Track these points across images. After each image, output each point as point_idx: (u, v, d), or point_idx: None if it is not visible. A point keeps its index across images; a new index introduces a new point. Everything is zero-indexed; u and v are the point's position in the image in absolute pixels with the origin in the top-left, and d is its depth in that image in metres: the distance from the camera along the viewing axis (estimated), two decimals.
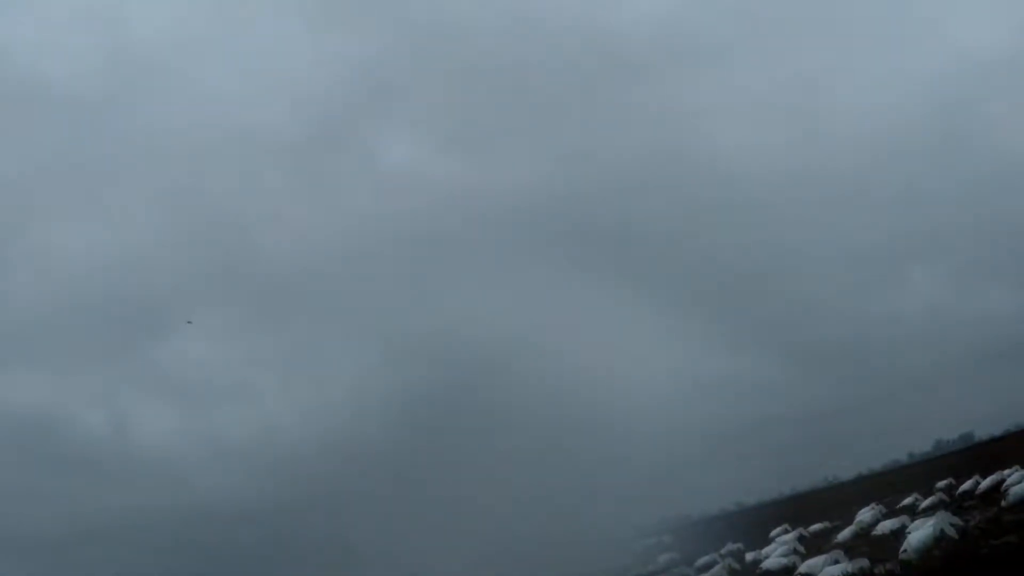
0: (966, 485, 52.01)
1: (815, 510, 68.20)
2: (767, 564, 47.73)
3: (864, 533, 48.96)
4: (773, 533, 59.98)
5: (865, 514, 51.48)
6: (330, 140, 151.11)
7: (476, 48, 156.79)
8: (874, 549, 41.63)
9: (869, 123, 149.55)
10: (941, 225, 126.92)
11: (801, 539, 53.49)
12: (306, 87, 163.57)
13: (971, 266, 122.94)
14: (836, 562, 38.74)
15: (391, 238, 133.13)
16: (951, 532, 36.45)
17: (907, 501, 54.64)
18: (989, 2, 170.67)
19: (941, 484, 56.18)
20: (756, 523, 70.37)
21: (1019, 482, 43.07)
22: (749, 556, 55.14)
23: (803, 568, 41.40)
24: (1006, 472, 46.90)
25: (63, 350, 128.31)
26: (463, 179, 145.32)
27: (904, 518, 45.90)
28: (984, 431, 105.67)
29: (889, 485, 69.78)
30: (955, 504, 49.32)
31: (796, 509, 77.27)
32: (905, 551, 36.74)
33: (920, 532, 37.32)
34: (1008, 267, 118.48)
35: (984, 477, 50.51)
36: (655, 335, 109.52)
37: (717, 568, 51.43)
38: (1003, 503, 42.98)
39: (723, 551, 58.65)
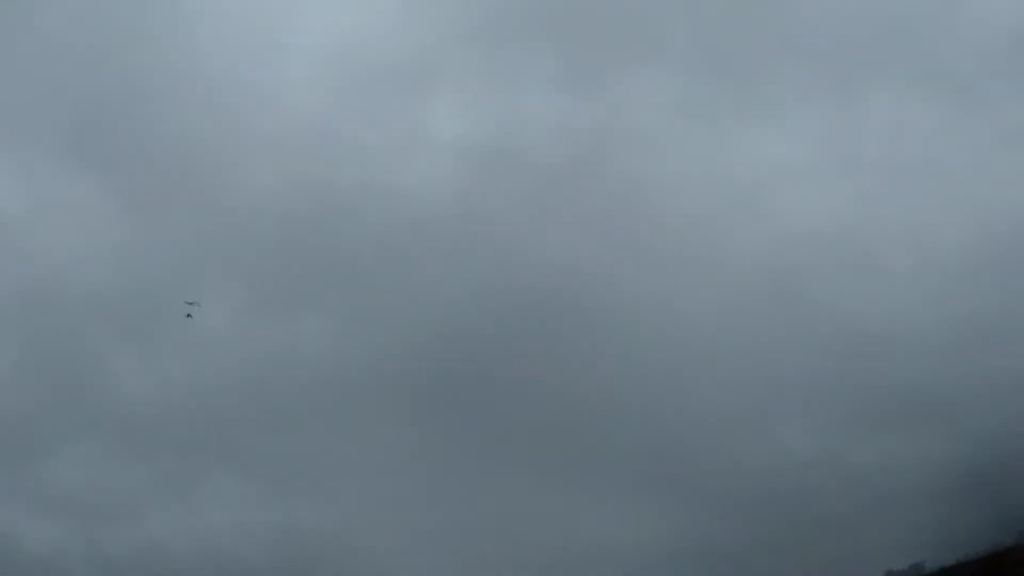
0: None
1: None
2: None
3: None
4: None
5: None
6: (152, 303, 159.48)
7: (283, 226, 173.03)
8: None
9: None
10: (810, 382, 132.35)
11: None
12: (127, 256, 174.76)
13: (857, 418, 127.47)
14: None
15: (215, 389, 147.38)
16: None
17: None
18: (814, 182, 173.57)
19: None
20: None
21: None
22: None
23: None
24: None
25: None
26: (274, 340, 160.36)
27: None
28: (935, 562, 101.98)
29: None
30: None
31: None
32: None
33: None
34: (891, 418, 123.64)
35: None
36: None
37: None
38: None
39: None
